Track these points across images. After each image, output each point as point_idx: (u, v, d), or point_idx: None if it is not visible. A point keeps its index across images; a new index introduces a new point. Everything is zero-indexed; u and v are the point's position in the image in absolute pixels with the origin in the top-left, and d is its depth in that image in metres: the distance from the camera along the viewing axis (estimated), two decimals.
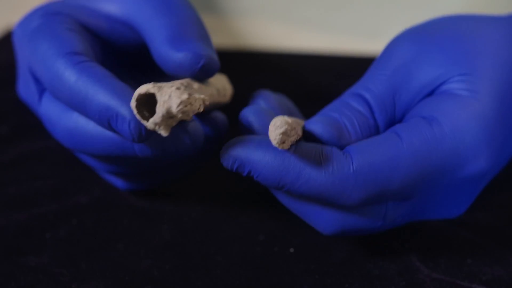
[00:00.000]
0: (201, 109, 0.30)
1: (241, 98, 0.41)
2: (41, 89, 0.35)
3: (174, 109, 0.29)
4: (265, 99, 0.34)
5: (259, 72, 0.53)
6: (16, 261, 0.34)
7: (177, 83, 0.30)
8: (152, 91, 0.29)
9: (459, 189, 0.32)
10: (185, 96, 0.29)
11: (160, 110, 0.29)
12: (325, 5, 0.58)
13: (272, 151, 0.30)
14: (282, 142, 0.29)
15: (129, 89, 0.32)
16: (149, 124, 0.29)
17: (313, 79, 0.52)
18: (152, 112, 0.29)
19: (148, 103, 0.30)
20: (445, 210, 0.33)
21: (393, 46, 0.34)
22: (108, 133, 0.33)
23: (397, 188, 0.30)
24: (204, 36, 0.35)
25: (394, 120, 0.33)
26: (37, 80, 0.35)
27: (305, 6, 0.60)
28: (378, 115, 0.32)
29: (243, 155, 0.30)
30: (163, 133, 0.29)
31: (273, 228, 0.37)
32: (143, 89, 0.29)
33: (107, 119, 0.31)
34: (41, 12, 0.36)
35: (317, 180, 0.30)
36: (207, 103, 0.30)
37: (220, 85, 0.37)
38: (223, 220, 0.38)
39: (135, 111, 0.29)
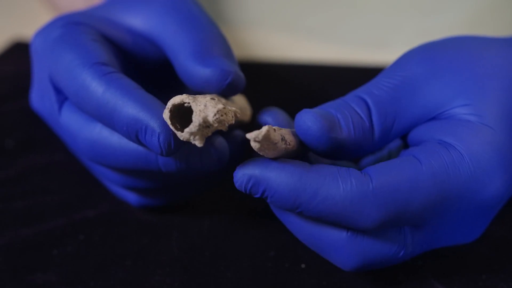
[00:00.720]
0: (233, 122, 0.29)
1: None
2: (62, 100, 0.35)
3: (211, 118, 0.28)
4: (272, 116, 0.34)
5: (265, 82, 0.52)
6: (23, 279, 0.34)
7: (208, 96, 0.30)
8: (186, 101, 0.29)
9: (475, 214, 0.31)
10: (220, 106, 0.29)
11: (196, 119, 0.28)
12: (330, 15, 0.58)
13: (288, 169, 0.29)
14: (258, 149, 0.28)
15: (158, 102, 0.31)
16: (185, 134, 0.29)
17: (319, 90, 0.52)
18: (183, 125, 0.29)
19: (178, 115, 0.29)
20: (460, 236, 0.33)
21: (404, 58, 0.34)
22: (132, 146, 0.32)
23: (416, 210, 0.29)
24: (229, 53, 0.34)
25: (391, 131, 0.32)
26: (57, 90, 0.35)
27: (310, 16, 0.60)
28: (376, 120, 0.31)
29: (258, 172, 0.29)
30: (198, 143, 0.29)
31: (284, 243, 0.36)
32: (176, 99, 0.29)
33: (135, 132, 0.31)
34: (62, 22, 0.35)
35: (335, 198, 0.29)
36: (238, 115, 0.30)
37: (242, 104, 0.37)
38: (232, 234, 0.37)
39: (168, 122, 0.29)
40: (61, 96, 0.35)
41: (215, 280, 0.34)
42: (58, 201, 0.39)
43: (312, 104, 0.49)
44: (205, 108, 0.28)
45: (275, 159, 0.30)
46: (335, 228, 0.30)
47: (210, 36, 0.34)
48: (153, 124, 0.30)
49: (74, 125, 0.34)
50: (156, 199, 0.37)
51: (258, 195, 0.30)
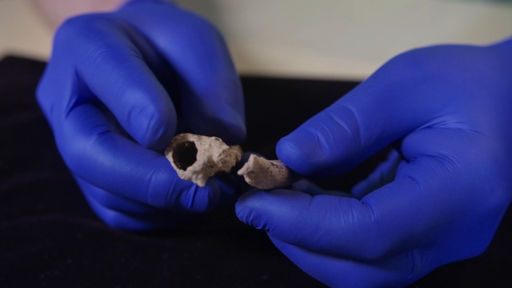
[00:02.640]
0: (234, 164, 0.29)
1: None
2: (72, 98, 0.33)
3: (216, 158, 0.28)
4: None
5: (261, 96, 0.51)
6: None
7: (212, 136, 0.30)
8: (191, 139, 0.28)
9: (479, 225, 0.31)
10: (225, 146, 0.28)
11: (201, 158, 0.28)
12: (327, 29, 0.57)
13: (289, 202, 0.29)
14: (255, 182, 0.28)
15: (164, 90, 0.30)
16: (187, 172, 0.28)
17: (316, 103, 0.51)
18: (183, 164, 0.29)
19: (179, 154, 0.29)
20: (468, 249, 0.32)
21: (391, 63, 0.33)
22: (124, 170, 0.31)
23: (421, 233, 0.29)
24: (238, 103, 0.34)
25: (381, 137, 0.31)
26: (74, 85, 0.33)
27: (307, 30, 0.59)
28: (363, 129, 0.30)
29: (259, 206, 0.29)
30: (200, 183, 0.28)
31: (277, 266, 0.35)
32: (180, 137, 0.29)
33: (129, 109, 0.29)
34: (89, 15, 0.34)
35: (337, 231, 0.28)
36: (239, 158, 0.30)
37: (235, 149, 0.36)
38: (225, 257, 0.36)
39: (170, 160, 0.29)
40: (74, 92, 0.33)
41: None
42: (45, 222, 0.38)
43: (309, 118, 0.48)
44: (210, 148, 0.28)
45: (274, 190, 0.29)
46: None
47: (224, 80, 0.34)
48: (151, 105, 0.29)
49: (69, 129, 0.33)
50: (136, 223, 0.36)
51: (260, 228, 0.29)
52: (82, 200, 0.39)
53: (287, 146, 0.30)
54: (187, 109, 0.33)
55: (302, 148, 0.30)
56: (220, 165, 0.28)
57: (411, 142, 0.31)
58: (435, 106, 0.31)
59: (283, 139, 0.30)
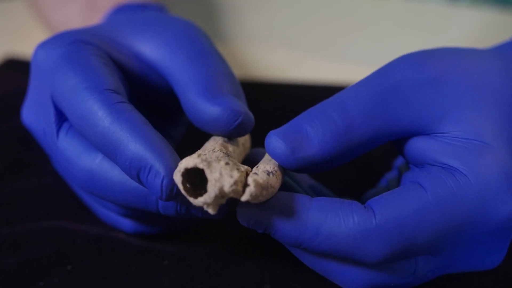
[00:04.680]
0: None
1: None
2: (62, 122, 0.33)
3: (227, 189, 0.27)
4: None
5: (264, 102, 0.51)
6: None
7: (219, 153, 0.29)
8: (200, 166, 0.27)
9: (491, 238, 0.30)
10: (237, 174, 0.27)
11: (212, 190, 0.27)
12: (331, 34, 0.57)
13: (288, 207, 0.28)
14: (259, 200, 0.28)
15: (165, 142, 0.30)
16: (197, 201, 0.28)
17: None
18: (192, 182, 0.28)
19: (188, 175, 0.28)
20: (479, 261, 0.31)
21: (395, 63, 0.32)
22: (133, 184, 0.31)
23: (424, 242, 0.28)
24: (239, 92, 0.33)
25: (377, 135, 0.30)
26: (58, 111, 0.33)
27: (310, 34, 0.59)
28: (359, 125, 0.29)
29: (258, 211, 0.29)
30: (211, 211, 0.28)
31: (280, 275, 0.35)
32: (189, 163, 0.28)
33: (137, 169, 0.30)
34: (71, 39, 0.34)
35: (337, 236, 0.28)
36: (249, 184, 0.28)
37: (242, 139, 0.35)
38: (226, 265, 0.35)
39: (180, 187, 0.28)
40: (62, 117, 0.33)
41: None
42: (45, 228, 0.38)
43: None
44: (221, 177, 0.27)
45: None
46: None
47: (221, 73, 0.33)
48: (159, 166, 0.29)
49: (72, 152, 0.33)
50: (153, 228, 0.36)
51: (261, 231, 0.29)
52: (82, 206, 0.39)
53: (273, 140, 0.29)
54: (190, 111, 0.33)
55: (288, 142, 0.29)
56: (232, 195, 0.28)
57: (416, 148, 0.31)
58: (438, 110, 0.30)
59: (271, 132, 0.30)
